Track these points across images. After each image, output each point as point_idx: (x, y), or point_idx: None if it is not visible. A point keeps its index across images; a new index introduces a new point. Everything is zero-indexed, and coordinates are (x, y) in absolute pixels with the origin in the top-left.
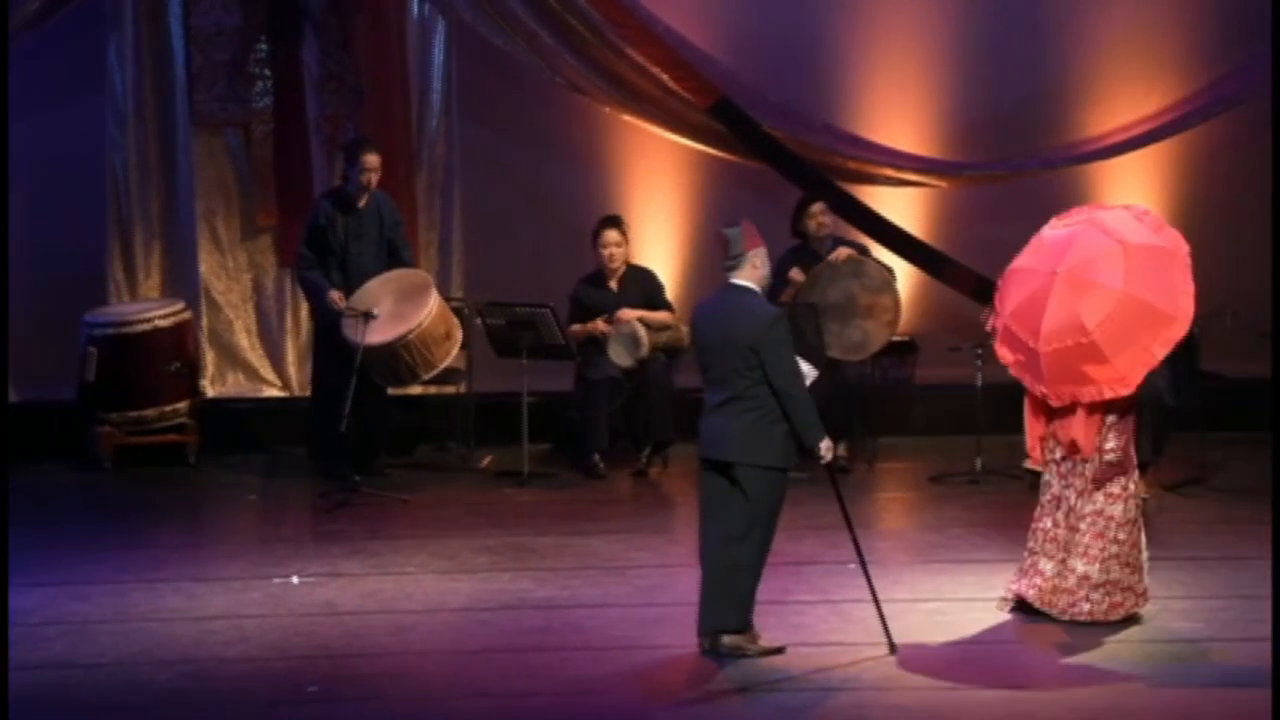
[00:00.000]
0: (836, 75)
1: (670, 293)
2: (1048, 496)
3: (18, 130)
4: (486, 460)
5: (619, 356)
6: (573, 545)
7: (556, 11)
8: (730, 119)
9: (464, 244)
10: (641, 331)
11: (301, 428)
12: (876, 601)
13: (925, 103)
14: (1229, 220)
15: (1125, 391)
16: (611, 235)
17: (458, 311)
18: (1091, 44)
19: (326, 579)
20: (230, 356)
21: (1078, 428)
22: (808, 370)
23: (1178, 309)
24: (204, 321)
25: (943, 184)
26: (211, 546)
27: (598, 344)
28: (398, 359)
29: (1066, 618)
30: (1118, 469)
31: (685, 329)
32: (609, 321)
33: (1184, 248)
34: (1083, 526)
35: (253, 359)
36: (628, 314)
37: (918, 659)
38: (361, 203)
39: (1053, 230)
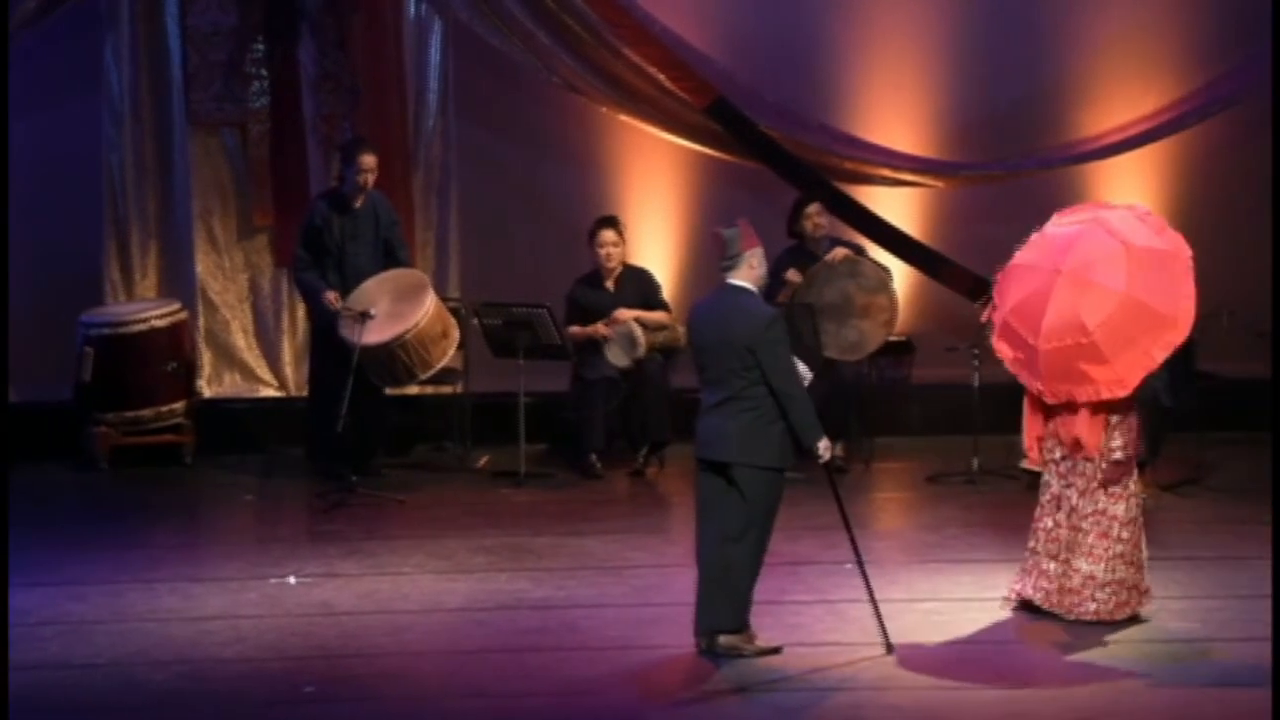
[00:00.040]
0: (833, 75)
1: (667, 293)
2: (1047, 496)
3: (14, 130)
4: (483, 460)
5: (616, 357)
6: (569, 545)
7: (553, 11)
8: (727, 119)
9: (460, 244)
10: (638, 332)
11: (298, 428)
12: (874, 601)
13: (922, 103)
14: (1225, 220)
15: (1122, 393)
16: (608, 235)
17: (454, 311)
18: (1088, 44)
19: (323, 579)
20: (227, 356)
21: (1082, 426)
22: (804, 371)
23: (1179, 313)
24: (200, 321)
25: (939, 184)
26: (208, 547)
27: (594, 344)
28: (395, 359)
29: (1072, 617)
30: (1125, 467)
31: (682, 329)
32: (606, 323)
33: (1186, 251)
34: (1086, 526)
35: (249, 359)
36: (624, 314)
37: (914, 659)
38: (357, 203)
39: (1057, 227)
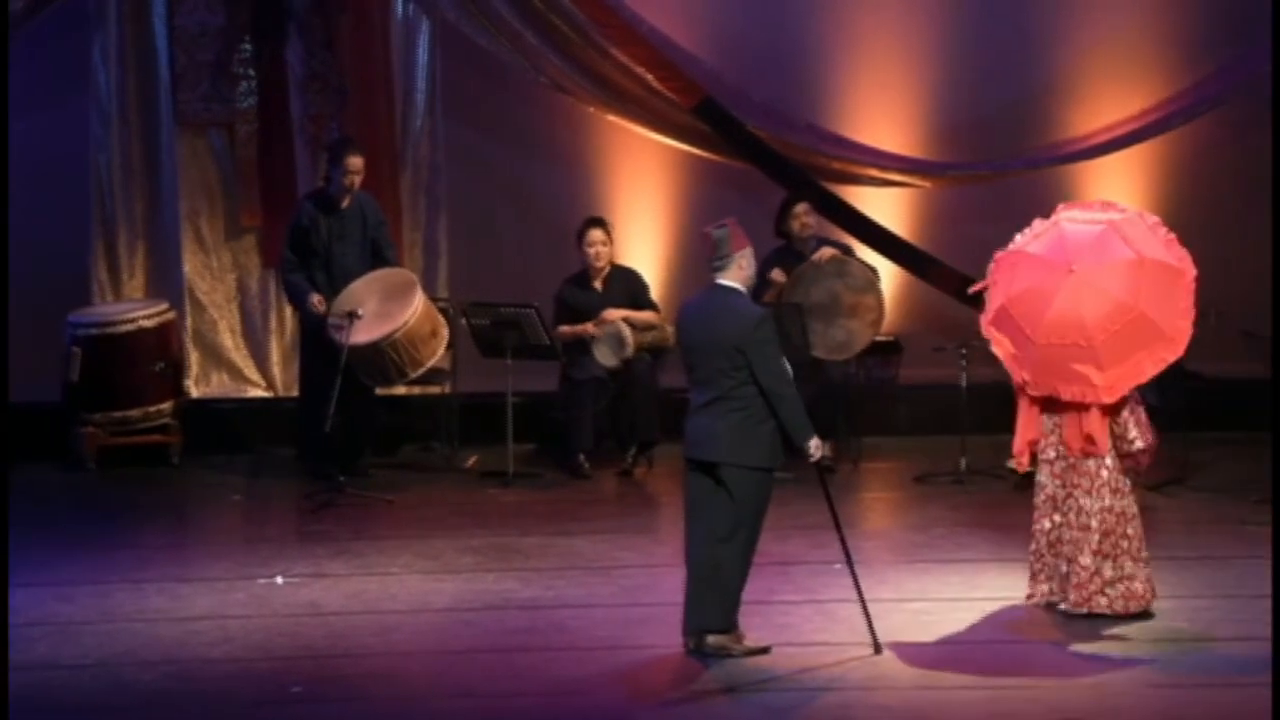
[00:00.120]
0: (820, 75)
1: (655, 293)
2: (1042, 497)
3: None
4: (471, 460)
5: (604, 356)
6: (557, 545)
7: (540, 11)
8: (714, 119)
9: (448, 244)
10: (626, 332)
11: (286, 428)
12: (863, 602)
13: (909, 103)
14: (1213, 220)
15: (1108, 399)
16: (596, 235)
17: (443, 311)
18: (1075, 44)
19: (311, 579)
20: (214, 357)
21: (1094, 424)
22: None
23: (1177, 331)
24: (188, 322)
25: (927, 184)
26: (196, 547)
27: (583, 344)
28: (384, 358)
29: (1084, 610)
30: (1147, 455)
31: (670, 329)
32: (595, 323)
33: (1191, 271)
34: (1093, 524)
35: (237, 359)
36: (613, 314)
37: (903, 659)
38: (344, 203)
39: (1073, 224)
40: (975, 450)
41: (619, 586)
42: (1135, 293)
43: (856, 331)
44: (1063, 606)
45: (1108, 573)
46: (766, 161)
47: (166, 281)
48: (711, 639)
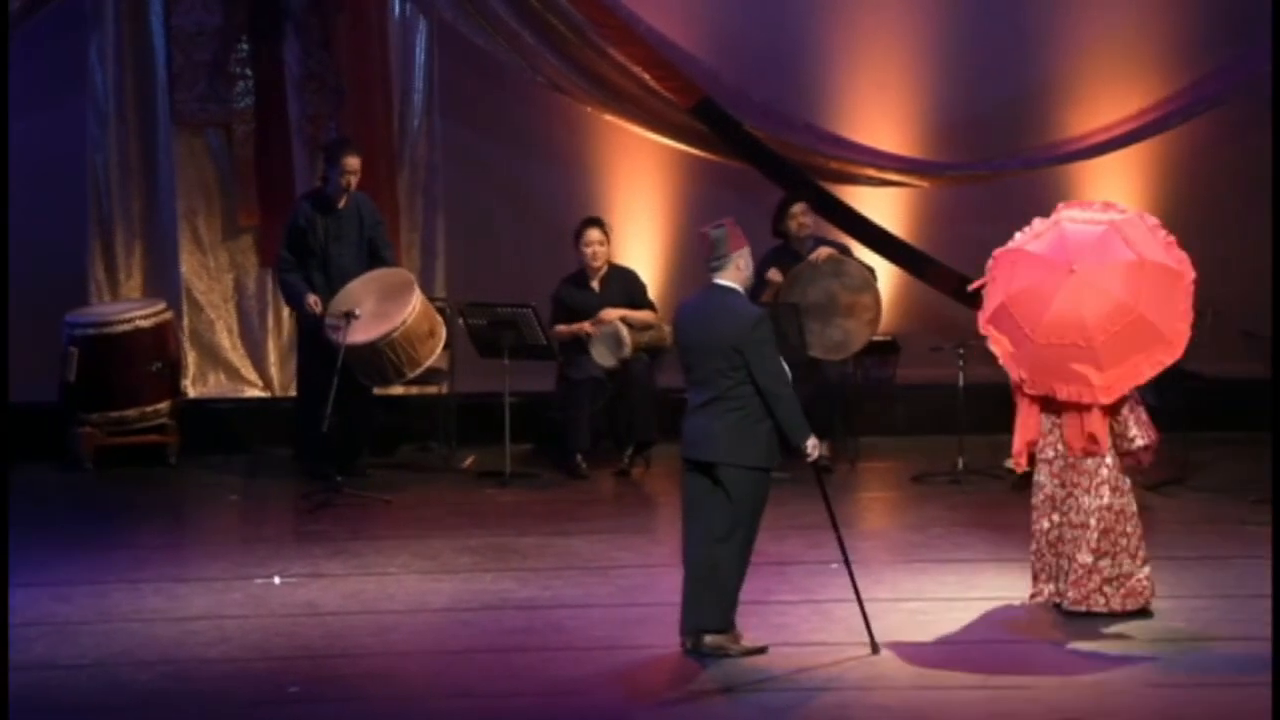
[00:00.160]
0: (819, 75)
1: (652, 293)
2: (1040, 497)
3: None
4: (469, 460)
5: (601, 356)
6: (555, 545)
7: (538, 11)
8: (712, 119)
9: (446, 244)
10: (624, 332)
11: (283, 428)
12: (860, 601)
13: (907, 102)
14: (1211, 220)
15: (1105, 400)
16: (594, 235)
17: (440, 311)
18: (1073, 44)
19: (308, 579)
20: (212, 357)
21: (1096, 423)
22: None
23: (1175, 334)
24: (185, 322)
25: (924, 184)
26: (193, 547)
27: (580, 344)
28: (382, 358)
29: (1084, 609)
30: (1149, 452)
31: (668, 329)
32: (593, 323)
33: (1190, 274)
34: (1091, 523)
35: (234, 359)
36: (610, 314)
37: (900, 659)
38: (341, 204)
39: (1073, 224)
40: (973, 450)
41: (616, 586)
42: (1135, 294)
43: (853, 331)
44: (1062, 604)
45: (1106, 570)
46: (764, 161)
47: (164, 281)
48: (709, 639)
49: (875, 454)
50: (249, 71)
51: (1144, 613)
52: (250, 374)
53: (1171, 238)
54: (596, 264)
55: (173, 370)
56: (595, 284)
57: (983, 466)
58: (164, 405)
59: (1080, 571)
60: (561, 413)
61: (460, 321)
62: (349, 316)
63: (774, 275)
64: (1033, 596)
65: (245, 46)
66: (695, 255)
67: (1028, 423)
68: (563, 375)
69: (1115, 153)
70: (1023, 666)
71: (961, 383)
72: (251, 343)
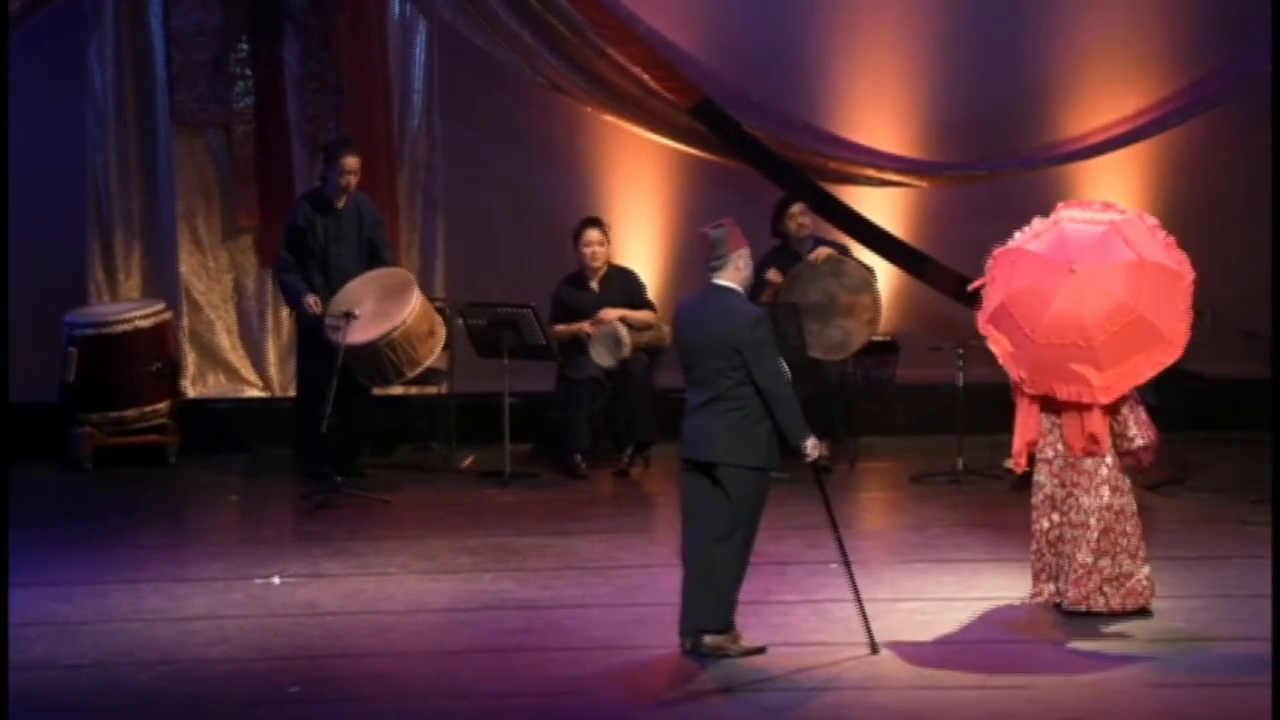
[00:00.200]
0: (818, 75)
1: (652, 293)
2: (1040, 497)
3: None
4: (468, 460)
5: (601, 357)
6: (554, 545)
7: (537, 11)
8: (712, 119)
9: (445, 244)
10: (623, 332)
11: (282, 428)
12: (859, 601)
13: (906, 103)
14: (1209, 220)
15: (1105, 400)
16: (593, 235)
17: (440, 311)
18: (1071, 44)
19: (308, 579)
20: (211, 357)
21: (1097, 423)
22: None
23: (1174, 334)
24: (185, 322)
25: (923, 184)
26: (193, 547)
27: (579, 344)
28: (382, 357)
29: (1084, 608)
30: (1148, 451)
31: (667, 329)
32: (593, 323)
33: (1190, 275)
34: (1091, 522)
35: (233, 359)
36: (610, 314)
37: (899, 659)
38: (340, 203)
39: (1074, 224)
40: (972, 450)
41: (616, 586)
42: (1135, 294)
43: (853, 331)
44: (1061, 604)
45: (1106, 570)
46: (763, 161)
47: (163, 281)
48: (708, 639)
49: (875, 454)
50: (249, 71)
51: (1144, 612)
52: (250, 374)
53: (1171, 238)
54: (596, 264)
55: (172, 370)
56: (595, 284)
57: (982, 467)
58: (163, 405)
59: (1080, 571)
60: (561, 413)
61: (460, 322)
62: (349, 316)
63: (773, 276)
64: (1033, 596)
65: (245, 46)
66: (694, 255)
67: (1028, 423)
68: (562, 375)
69: (1114, 153)
70: (1022, 667)
71: (961, 383)
72: (251, 343)
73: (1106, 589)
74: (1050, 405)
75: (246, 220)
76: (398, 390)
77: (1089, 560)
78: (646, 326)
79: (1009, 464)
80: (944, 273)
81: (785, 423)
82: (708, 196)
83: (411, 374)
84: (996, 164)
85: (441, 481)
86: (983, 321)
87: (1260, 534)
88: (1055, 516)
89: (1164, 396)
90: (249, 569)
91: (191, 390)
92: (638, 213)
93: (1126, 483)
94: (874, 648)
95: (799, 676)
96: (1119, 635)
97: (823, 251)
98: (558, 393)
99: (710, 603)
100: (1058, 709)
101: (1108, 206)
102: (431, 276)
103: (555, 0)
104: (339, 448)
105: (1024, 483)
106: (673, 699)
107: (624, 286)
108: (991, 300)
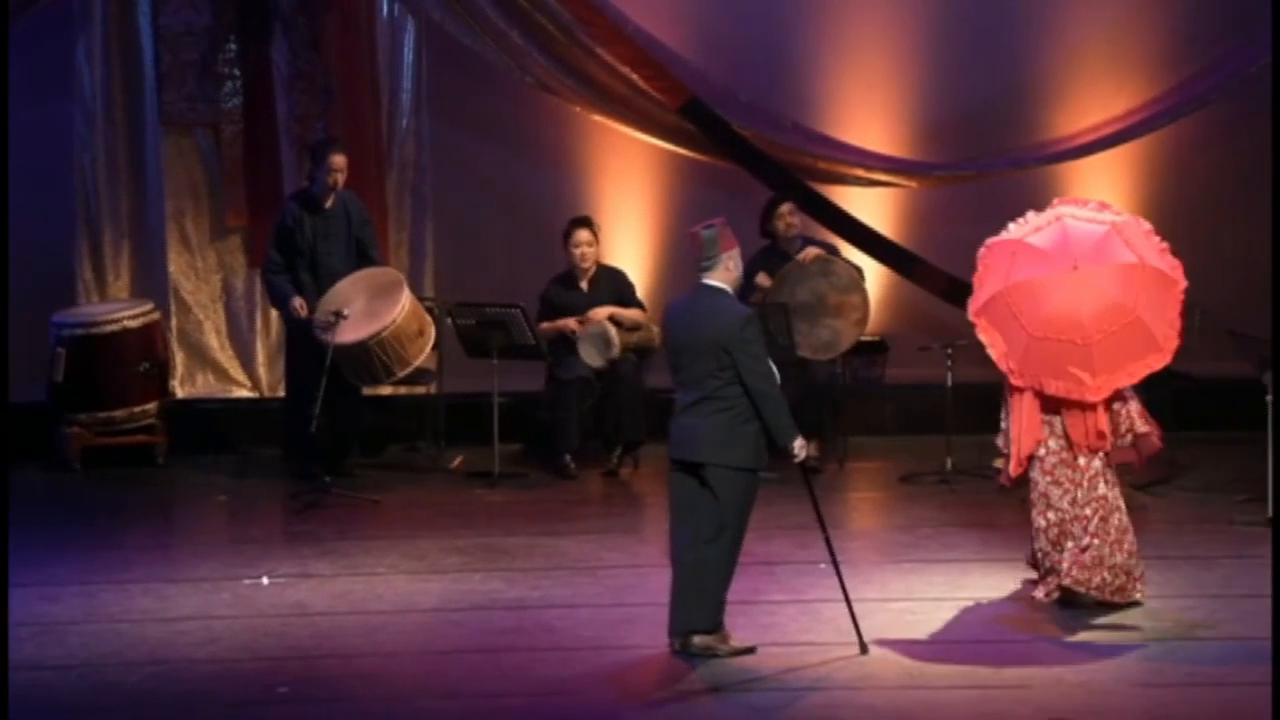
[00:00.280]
0: (807, 75)
1: (641, 293)
2: (1035, 494)
3: None
4: (457, 461)
5: (590, 357)
6: (543, 545)
7: (526, 11)
8: (700, 119)
9: (434, 244)
10: (612, 332)
11: (271, 428)
12: (848, 602)
13: (895, 103)
14: (1198, 220)
15: (1092, 399)
16: (582, 235)
17: (428, 311)
18: (1060, 44)
19: (297, 580)
20: (200, 357)
21: (1102, 419)
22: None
23: (1166, 340)
24: (173, 322)
25: (912, 184)
26: (181, 547)
27: (569, 344)
28: (371, 357)
29: (1083, 590)
30: (1151, 438)
31: (656, 329)
32: (581, 322)
33: (1183, 283)
34: (1088, 513)
35: (222, 359)
36: (599, 313)
37: (888, 659)
38: (328, 203)
39: (1076, 222)
40: (961, 450)
41: (605, 587)
42: (1134, 296)
43: (842, 331)
44: (1062, 583)
45: (1099, 559)
46: (752, 161)
47: (151, 281)
48: (697, 639)
49: (863, 454)
50: (237, 71)
51: (1134, 605)
52: (238, 374)
53: (1165, 244)
54: (585, 264)
55: (161, 370)
56: (584, 284)
57: (971, 466)
58: (152, 406)
59: (1087, 556)
60: (550, 413)
61: (449, 322)
62: (338, 316)
63: (762, 280)
64: (1047, 594)
65: (233, 46)
66: (684, 255)
67: (1030, 429)
68: (551, 375)
69: (1103, 153)
70: (1012, 666)
71: (950, 383)
72: (240, 343)
73: (1095, 579)
74: (1047, 405)
75: (235, 220)
76: (387, 390)
77: (1091, 544)
78: (636, 326)
79: (999, 463)
80: (933, 272)
81: (773, 423)
82: (697, 196)
83: (401, 373)
84: (985, 164)
85: (430, 481)
86: (973, 312)
87: (1248, 533)
88: (1051, 515)
89: (1152, 396)
90: (238, 569)
91: (180, 390)
92: (627, 213)
93: (1115, 477)
94: (863, 648)
95: (788, 676)
96: (1110, 629)
97: (811, 251)
98: (547, 393)
99: (699, 603)
100: (1047, 708)
101: (1103, 206)
102: (420, 276)
103: (543, 0)
104: (328, 448)
105: (1011, 487)
106: (662, 699)
107: (613, 286)
108: (985, 290)
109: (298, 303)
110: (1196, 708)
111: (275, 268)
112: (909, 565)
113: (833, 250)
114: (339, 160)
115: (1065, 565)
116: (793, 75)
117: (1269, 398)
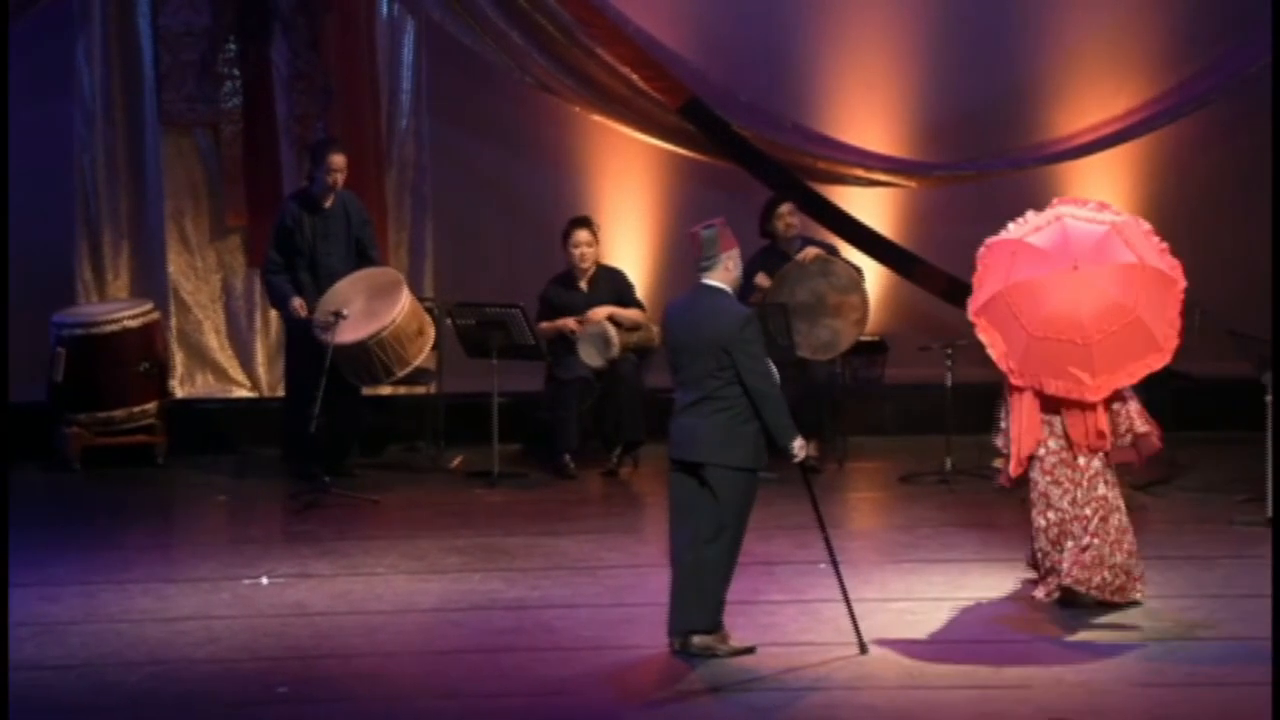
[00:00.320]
0: (806, 75)
1: (640, 293)
2: (1036, 494)
3: None
4: (457, 461)
5: (589, 357)
6: (543, 545)
7: (526, 11)
8: (700, 119)
9: (434, 244)
10: (612, 332)
11: (271, 428)
12: (848, 602)
13: (895, 103)
14: (1198, 220)
15: (1092, 398)
16: (582, 235)
17: (428, 311)
18: (1060, 44)
19: (296, 580)
20: (199, 357)
21: (1103, 419)
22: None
23: (1166, 341)
24: (173, 322)
25: (912, 184)
26: (181, 547)
27: (568, 344)
28: (371, 357)
29: (1083, 589)
30: (1151, 437)
31: (656, 329)
32: (581, 322)
33: (1182, 283)
34: (1088, 512)
35: (222, 359)
36: (598, 312)
37: (888, 659)
38: (328, 203)
39: (1077, 222)
40: (960, 450)
41: (604, 587)
42: (1134, 296)
43: (841, 331)
44: (1062, 582)
45: (1099, 559)
46: (751, 161)
47: (151, 282)
48: (697, 639)
49: (863, 454)
50: (237, 72)
51: (1135, 604)
52: (238, 374)
53: (1164, 245)
54: (585, 264)
55: (160, 370)
56: (583, 284)
57: (970, 466)
58: (151, 406)
59: (1088, 555)
60: (549, 413)
61: (448, 322)
62: (338, 316)
63: (762, 280)
64: (1048, 594)
65: (233, 46)
66: (683, 255)
67: (1031, 430)
68: (551, 375)
69: (1102, 153)
70: (1011, 666)
71: (949, 383)
72: (239, 343)
73: (1095, 578)
74: (1047, 405)
75: (234, 220)
76: (386, 390)
77: (1091, 543)
78: (635, 326)
79: (998, 463)
80: (932, 272)
81: (773, 423)
82: (696, 196)
83: (401, 373)
84: (985, 164)
85: (430, 481)
86: (973, 311)
87: (1248, 533)
88: (1051, 515)
89: (1151, 396)
90: (237, 569)
91: (180, 390)
92: (626, 213)
93: (1115, 477)
94: (863, 647)
95: (788, 676)
96: (1110, 628)
97: (811, 251)
98: (546, 393)
99: (699, 603)
100: (1047, 708)
101: (1103, 206)
102: (420, 276)
103: (543, 0)
104: (327, 448)
105: (1011, 487)
106: (661, 699)
107: (613, 286)
108: (985, 290)
109: (297, 303)
110: (1196, 708)
111: (275, 268)
112: (909, 565)
113: (832, 250)
114: (338, 160)
115: (1065, 565)
116: (793, 75)
117: (1269, 398)
